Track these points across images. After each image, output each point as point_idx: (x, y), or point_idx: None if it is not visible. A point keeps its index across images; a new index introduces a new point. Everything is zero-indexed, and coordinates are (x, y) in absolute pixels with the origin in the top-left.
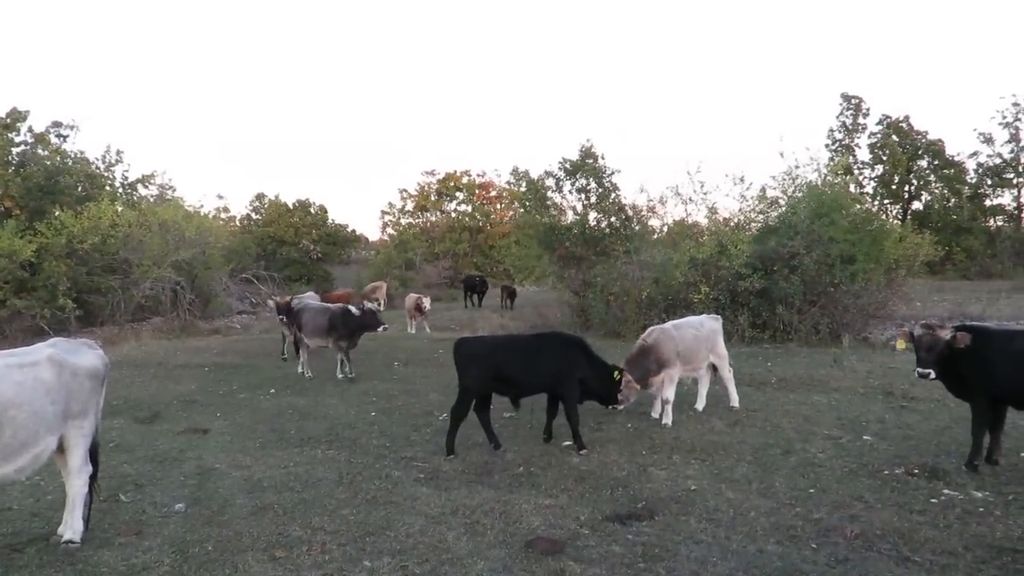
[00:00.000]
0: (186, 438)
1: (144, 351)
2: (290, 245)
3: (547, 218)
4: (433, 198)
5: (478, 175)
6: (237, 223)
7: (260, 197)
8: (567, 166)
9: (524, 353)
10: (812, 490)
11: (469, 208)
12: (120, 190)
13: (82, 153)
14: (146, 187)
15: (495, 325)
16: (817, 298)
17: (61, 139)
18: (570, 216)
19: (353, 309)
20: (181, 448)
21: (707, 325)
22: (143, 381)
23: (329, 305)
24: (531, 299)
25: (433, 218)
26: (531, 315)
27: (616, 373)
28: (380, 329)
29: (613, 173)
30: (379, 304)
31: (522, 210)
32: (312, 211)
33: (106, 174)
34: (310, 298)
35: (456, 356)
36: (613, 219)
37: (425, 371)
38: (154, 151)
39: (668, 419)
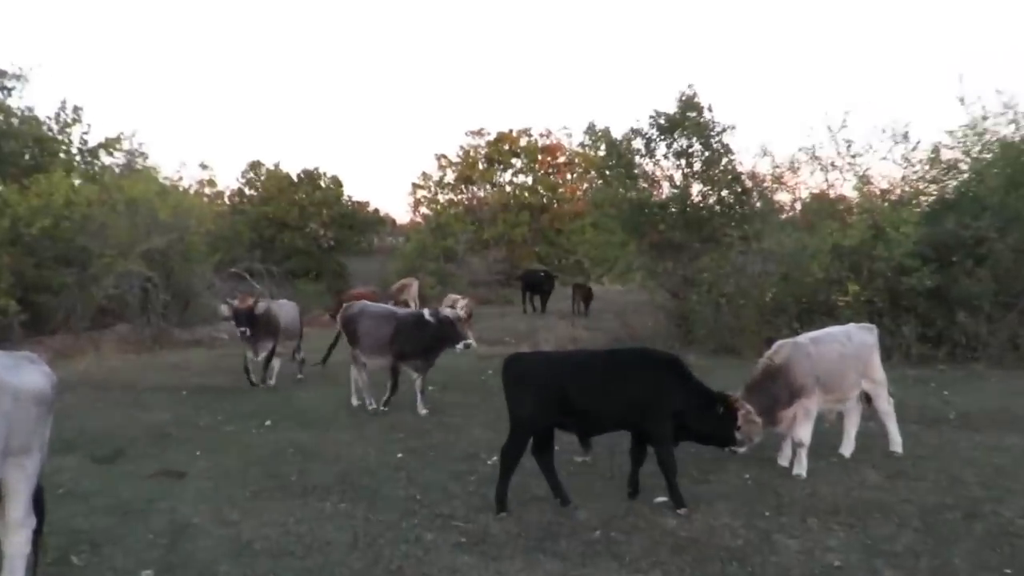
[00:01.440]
0: (157, 483)
1: (106, 368)
2: (294, 230)
3: (634, 192)
4: (481, 166)
5: (541, 135)
6: (226, 200)
7: (255, 167)
8: (661, 121)
9: (599, 375)
10: (1009, 571)
11: (529, 180)
12: (78, 158)
13: (30, 110)
14: (110, 154)
15: (563, 337)
16: (1016, 300)
17: (4, 93)
18: (666, 189)
19: (427, 315)
20: (150, 496)
21: (857, 339)
22: (104, 408)
23: (395, 309)
24: (612, 302)
25: (481, 193)
26: (612, 324)
27: (722, 405)
28: (461, 347)
29: (725, 130)
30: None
31: (600, 181)
32: (322, 184)
33: (60, 137)
34: (286, 306)
35: (507, 378)
36: (725, 193)
37: (468, 399)
38: (121, 108)
39: (802, 468)
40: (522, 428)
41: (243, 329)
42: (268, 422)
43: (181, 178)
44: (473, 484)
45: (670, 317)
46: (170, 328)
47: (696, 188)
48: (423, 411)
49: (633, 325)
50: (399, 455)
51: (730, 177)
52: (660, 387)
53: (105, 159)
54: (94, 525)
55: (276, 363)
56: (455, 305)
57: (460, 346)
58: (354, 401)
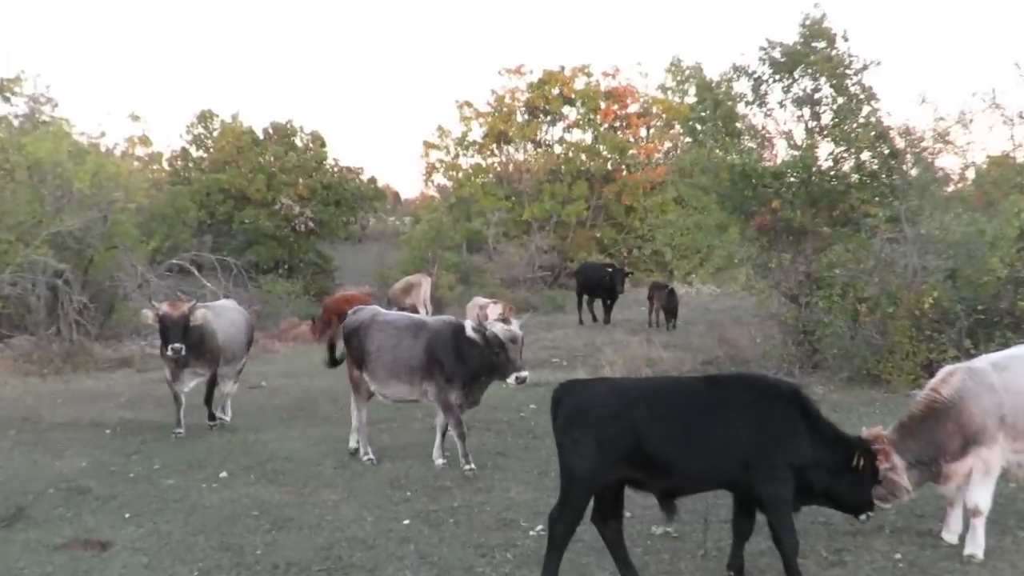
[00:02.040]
0: (70, 557)
1: (1, 396)
2: (258, 206)
3: (737, 154)
4: (520, 118)
5: (605, 75)
6: (165, 165)
7: (205, 119)
8: (776, 55)
9: (688, 412)
10: None
11: (588, 137)
12: None
13: None
14: (7, 100)
15: (635, 359)
16: None
17: None
18: (782, 150)
19: (470, 327)
20: None
21: None
22: None
23: (424, 318)
24: (704, 310)
25: (520, 156)
26: (704, 341)
27: (859, 456)
28: (513, 381)
29: (867, 68)
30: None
31: (689, 139)
32: (298, 143)
33: None
34: (228, 311)
35: (558, 415)
36: (866, 156)
37: (502, 443)
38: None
39: (977, 547)
40: (579, 486)
41: (176, 346)
42: (223, 473)
43: (103, 135)
44: (510, 564)
45: (787, 331)
46: (88, 342)
47: (825, 149)
48: (440, 461)
49: (734, 342)
50: (406, 522)
51: (873, 134)
52: (775, 430)
53: (0, 107)
54: None
55: (230, 387)
56: (483, 313)
57: (512, 380)
58: (352, 444)
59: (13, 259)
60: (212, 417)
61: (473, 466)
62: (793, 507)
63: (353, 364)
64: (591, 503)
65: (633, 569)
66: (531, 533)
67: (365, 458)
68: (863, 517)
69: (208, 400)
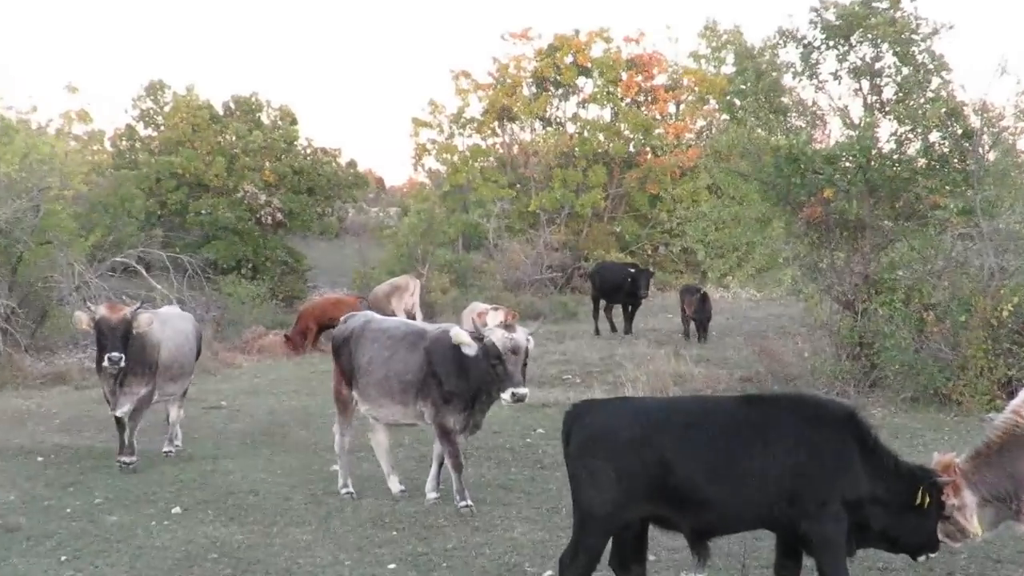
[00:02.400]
0: None
1: None
2: (218, 194)
3: (783, 135)
4: (527, 91)
5: (627, 40)
6: (107, 146)
7: (155, 90)
8: (829, 18)
9: (721, 438)
10: None
11: (607, 113)
12: None
13: None
14: None
15: (662, 374)
16: None
17: None
18: (836, 130)
19: (458, 333)
20: None
21: None
22: None
23: (424, 325)
24: (742, 318)
25: (527, 136)
26: (742, 355)
27: (923, 492)
28: (508, 397)
29: (936, 33)
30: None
31: (726, 117)
32: (265, 120)
33: None
34: (173, 318)
35: (572, 441)
36: (936, 137)
37: (503, 474)
38: None
39: None
40: (595, 525)
41: (115, 356)
42: (176, 509)
43: (34, 109)
44: None
45: (840, 343)
46: (17, 354)
47: (887, 128)
48: (432, 495)
49: (778, 356)
50: (391, 566)
51: (944, 111)
52: (825, 460)
53: None
54: None
55: (176, 412)
56: (481, 320)
57: (507, 396)
58: (394, 488)
59: None
60: (129, 449)
61: (470, 503)
62: (847, 550)
63: (342, 380)
64: (609, 545)
65: None
66: None
67: (344, 491)
68: (922, 558)
69: (133, 427)
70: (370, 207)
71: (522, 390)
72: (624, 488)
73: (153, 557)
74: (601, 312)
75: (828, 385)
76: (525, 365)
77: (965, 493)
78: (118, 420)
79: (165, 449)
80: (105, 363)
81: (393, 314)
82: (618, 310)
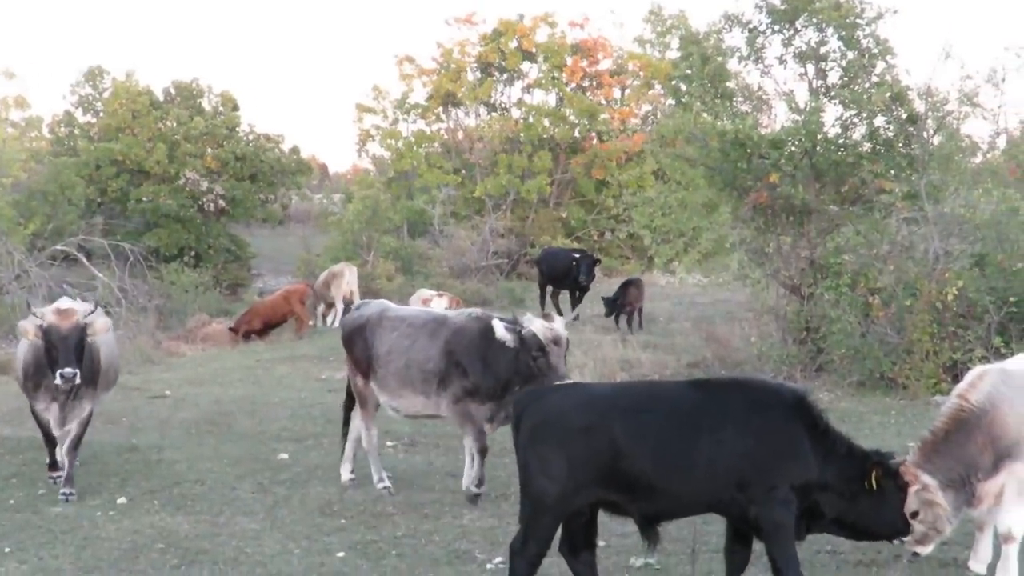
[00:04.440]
0: None
1: None
2: (159, 181)
3: (729, 120)
4: (472, 76)
5: (572, 25)
6: (45, 132)
7: (94, 76)
8: (774, 2)
9: (672, 422)
10: None
11: (552, 98)
12: None
13: None
14: None
15: (609, 360)
16: None
17: None
18: (782, 115)
19: (500, 328)
20: None
21: None
22: None
23: (446, 313)
24: (690, 304)
25: (471, 121)
26: (690, 339)
27: (872, 473)
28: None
29: (880, 17)
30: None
31: (672, 102)
32: (206, 106)
33: None
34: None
35: (520, 429)
36: (880, 121)
37: (451, 462)
38: None
39: None
40: (545, 511)
41: (69, 372)
42: (121, 499)
43: None
44: None
45: (787, 328)
46: None
47: (832, 113)
48: (475, 490)
49: (725, 341)
50: (340, 555)
51: (889, 95)
52: (774, 444)
53: None
54: None
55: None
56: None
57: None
58: (344, 475)
59: None
60: (70, 481)
61: (482, 491)
62: (796, 535)
63: (357, 372)
64: (559, 531)
65: None
66: (488, 566)
67: (380, 485)
68: (899, 542)
69: (76, 446)
70: (314, 194)
71: (568, 382)
72: (574, 474)
73: (99, 548)
74: (548, 298)
75: (775, 370)
76: (564, 356)
77: (924, 477)
78: (51, 436)
79: (56, 476)
80: (57, 380)
81: (332, 302)
82: (565, 297)
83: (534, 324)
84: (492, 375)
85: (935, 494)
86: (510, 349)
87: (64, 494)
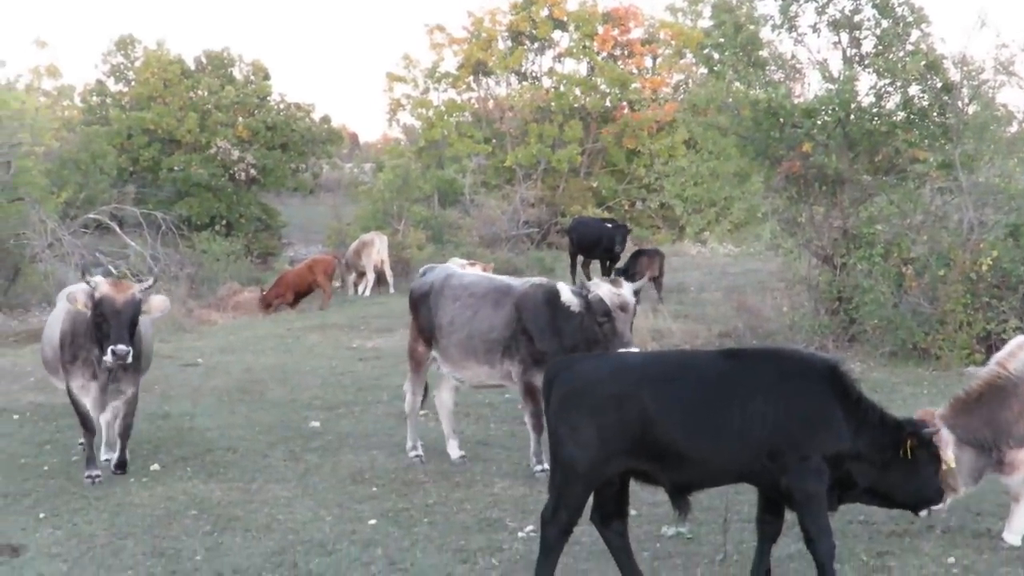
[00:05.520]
0: None
1: None
2: (190, 150)
3: (762, 89)
4: (503, 45)
5: None
6: (77, 101)
7: (125, 45)
8: None
9: (701, 392)
10: None
11: (583, 68)
12: None
13: None
14: None
15: (640, 331)
16: None
17: None
18: (815, 84)
19: (567, 292)
20: None
21: None
22: None
23: (510, 281)
24: (721, 274)
25: (502, 91)
26: (721, 308)
27: (908, 442)
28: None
29: None
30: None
31: (704, 71)
32: (237, 75)
33: None
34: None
35: (551, 398)
36: (915, 90)
37: (482, 430)
38: None
39: None
40: (576, 480)
41: (122, 349)
42: (155, 466)
43: (3, 64)
44: (496, 571)
45: (819, 298)
46: None
47: (866, 82)
48: (538, 468)
49: (756, 311)
50: (371, 522)
51: (924, 64)
52: (807, 414)
53: None
54: None
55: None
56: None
57: None
58: (454, 453)
59: None
60: (123, 467)
61: (543, 468)
62: (829, 505)
63: (419, 338)
64: (590, 500)
65: None
66: (519, 535)
67: (412, 454)
68: (924, 513)
69: (128, 431)
70: (344, 163)
71: (634, 350)
72: (604, 443)
73: (132, 514)
74: (579, 268)
75: (807, 340)
76: (631, 322)
77: (942, 432)
78: (90, 424)
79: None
80: (108, 357)
81: (363, 271)
82: (596, 266)
83: (601, 289)
84: (558, 342)
85: (944, 449)
86: (576, 314)
87: (107, 459)
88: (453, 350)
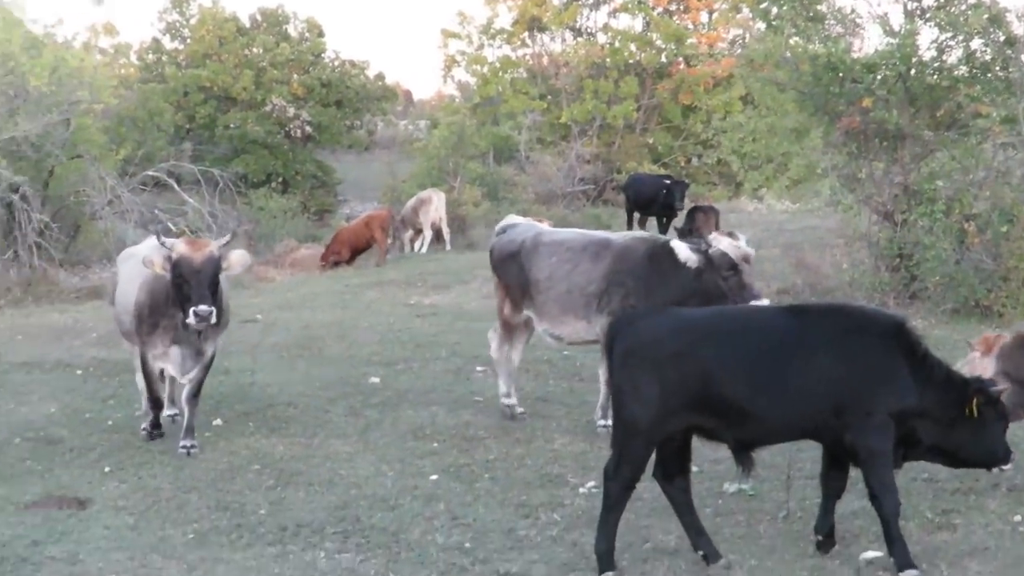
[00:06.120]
0: (43, 517)
1: None
2: (246, 108)
3: (820, 43)
4: (557, 0)
5: None
6: (133, 59)
7: (181, 3)
8: None
9: (768, 348)
10: None
11: (638, 23)
12: None
13: None
14: None
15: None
16: None
17: None
18: (875, 38)
19: (684, 249)
20: (34, 538)
21: None
22: None
23: (608, 235)
24: (778, 230)
25: (557, 47)
26: (779, 265)
27: (973, 400)
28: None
29: None
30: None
31: (762, 26)
32: (291, 32)
33: None
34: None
35: (613, 354)
36: (977, 44)
37: (540, 386)
38: None
39: None
40: (639, 436)
41: (204, 310)
42: (217, 421)
43: (61, 22)
44: (557, 527)
45: (879, 255)
46: (51, 269)
47: (928, 36)
48: (601, 423)
49: (815, 268)
50: (433, 477)
51: (986, 17)
52: (872, 371)
53: None
54: None
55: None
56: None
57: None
58: (507, 401)
59: None
60: (191, 432)
61: (609, 423)
62: (894, 462)
63: (506, 299)
64: (653, 456)
65: (704, 533)
66: (580, 490)
67: (507, 401)
68: (996, 471)
69: (197, 393)
70: (398, 120)
71: (765, 301)
72: (666, 400)
73: (196, 468)
74: (635, 224)
75: (867, 297)
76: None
77: (991, 356)
78: (159, 398)
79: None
80: (190, 319)
81: (420, 228)
82: (652, 223)
83: (721, 243)
84: (659, 297)
85: (982, 363)
86: (686, 270)
87: (185, 447)
88: (551, 306)
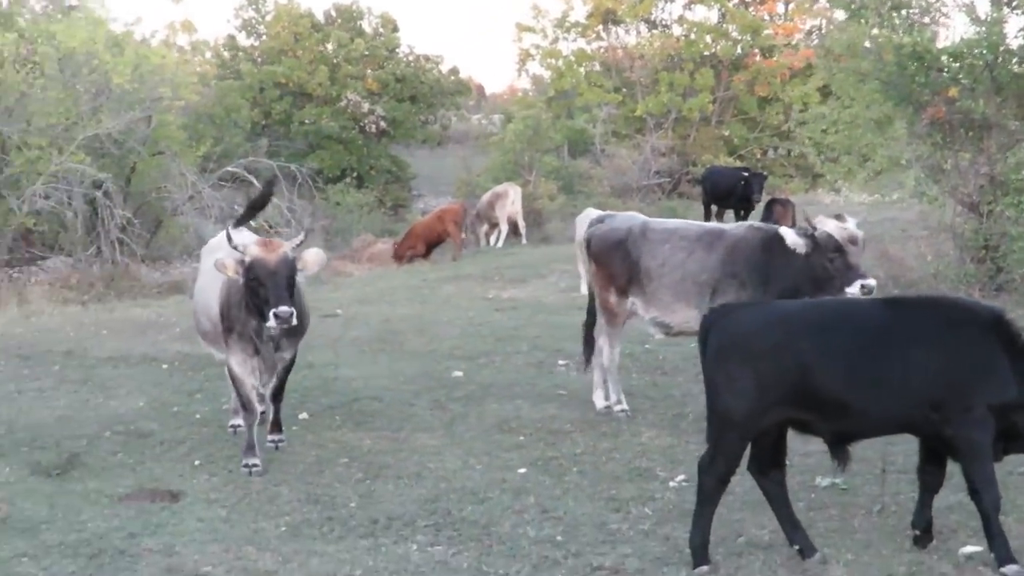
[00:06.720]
0: (137, 510)
1: (36, 326)
2: (321, 103)
3: (904, 33)
4: None
5: None
6: (210, 56)
7: (256, 0)
8: None
9: (861, 341)
10: None
11: (713, 15)
12: None
13: None
14: None
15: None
16: None
17: None
18: (961, 26)
19: (791, 235)
20: (130, 530)
21: None
22: (40, 389)
23: (721, 225)
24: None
25: (632, 40)
26: (863, 257)
27: None
28: (858, 290)
29: None
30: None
31: (842, 15)
32: (366, 28)
33: None
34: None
35: (708, 346)
36: None
37: (624, 380)
38: None
39: None
40: (734, 430)
41: (285, 311)
42: (304, 415)
43: (140, 20)
44: (649, 520)
45: (964, 246)
46: (133, 264)
47: (1015, 23)
48: (618, 408)
49: (898, 260)
50: (521, 471)
51: None
52: (971, 364)
53: None
54: (51, 574)
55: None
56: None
57: (855, 290)
58: (600, 401)
59: (45, 168)
60: (278, 427)
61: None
62: (994, 456)
63: (612, 288)
64: (747, 450)
65: (800, 527)
66: (671, 484)
67: (618, 408)
68: None
69: (281, 391)
70: (471, 114)
71: (871, 281)
72: (762, 393)
73: (285, 462)
74: (712, 217)
75: (952, 289)
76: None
77: None
78: (250, 403)
79: (276, 439)
80: (271, 322)
81: (496, 222)
82: (730, 216)
83: (827, 225)
84: (772, 287)
85: None
86: (797, 256)
87: (272, 441)
88: (664, 293)
